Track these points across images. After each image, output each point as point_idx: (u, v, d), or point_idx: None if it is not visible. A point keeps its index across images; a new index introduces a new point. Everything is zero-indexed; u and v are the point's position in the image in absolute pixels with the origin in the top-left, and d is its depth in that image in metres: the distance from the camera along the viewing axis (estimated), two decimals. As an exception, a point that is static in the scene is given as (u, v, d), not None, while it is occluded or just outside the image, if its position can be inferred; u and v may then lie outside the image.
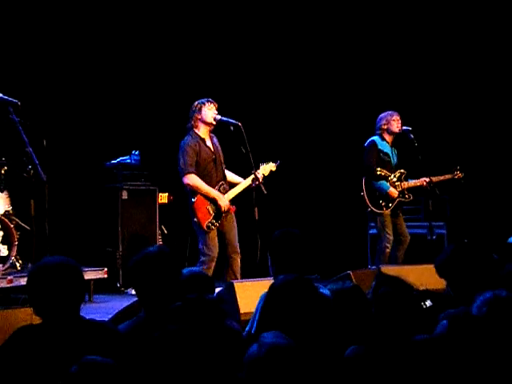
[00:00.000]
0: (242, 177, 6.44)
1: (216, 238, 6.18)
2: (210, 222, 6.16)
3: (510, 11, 8.71)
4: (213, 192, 6.18)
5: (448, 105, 9.00)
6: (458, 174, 7.29)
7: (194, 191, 6.18)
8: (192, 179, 6.15)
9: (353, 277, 5.34)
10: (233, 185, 6.40)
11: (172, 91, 8.64)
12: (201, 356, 2.39)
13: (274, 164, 6.45)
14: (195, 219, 6.16)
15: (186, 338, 2.31)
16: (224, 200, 6.20)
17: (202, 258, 6.10)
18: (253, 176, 6.20)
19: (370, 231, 8.14)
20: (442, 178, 7.24)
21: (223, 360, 2.52)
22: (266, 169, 6.39)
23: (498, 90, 8.87)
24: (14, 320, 3.23)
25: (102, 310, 6.16)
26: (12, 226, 6.85)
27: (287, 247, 3.69)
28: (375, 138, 7.17)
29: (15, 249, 6.83)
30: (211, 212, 6.18)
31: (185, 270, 3.34)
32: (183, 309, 2.64)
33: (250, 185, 6.26)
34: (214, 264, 6.09)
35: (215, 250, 6.14)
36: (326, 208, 9.09)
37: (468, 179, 7.47)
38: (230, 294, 4.87)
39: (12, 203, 7.00)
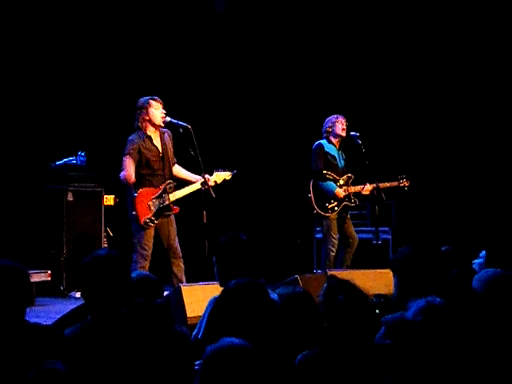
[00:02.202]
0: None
1: (152, 237, 6.09)
2: (148, 219, 6.07)
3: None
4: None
5: (394, 110, 9.12)
6: (404, 182, 7.39)
7: (136, 185, 6.10)
8: (124, 170, 6.05)
9: (300, 281, 5.35)
10: (183, 182, 6.32)
11: (118, 91, 8.55)
12: (148, 359, 2.36)
13: (229, 173, 6.38)
14: (134, 213, 6.07)
15: (132, 341, 2.28)
16: None
17: (135, 257, 6.00)
18: (202, 180, 6.15)
19: (316, 235, 8.19)
20: (388, 184, 7.32)
21: (172, 364, 2.49)
22: (220, 176, 6.30)
23: (443, 95, 9.04)
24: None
25: (45, 313, 6.05)
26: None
27: (233, 252, 3.70)
28: (322, 141, 7.23)
29: (-45, 250, 6.66)
30: (152, 208, 6.11)
31: (133, 274, 3.31)
32: (131, 314, 2.60)
33: (199, 188, 6.20)
34: (147, 263, 6.00)
35: (149, 249, 6.04)
36: (273, 212, 9.12)
37: (414, 185, 7.58)
38: (177, 298, 4.84)
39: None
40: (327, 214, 7.11)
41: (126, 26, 8.79)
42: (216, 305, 2.66)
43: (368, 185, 7.17)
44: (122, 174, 6.07)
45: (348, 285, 3.14)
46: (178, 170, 6.37)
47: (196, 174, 6.26)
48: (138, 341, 2.40)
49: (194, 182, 6.24)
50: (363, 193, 7.20)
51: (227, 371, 2.11)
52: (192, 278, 6.12)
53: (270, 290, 3.24)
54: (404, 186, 7.38)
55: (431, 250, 3.30)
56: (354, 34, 9.11)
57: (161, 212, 6.14)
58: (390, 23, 9.07)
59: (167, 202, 6.16)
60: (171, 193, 6.21)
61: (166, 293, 4.81)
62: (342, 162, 7.30)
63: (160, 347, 2.47)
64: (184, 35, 8.95)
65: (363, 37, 9.10)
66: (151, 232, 6.09)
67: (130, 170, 6.04)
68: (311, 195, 7.14)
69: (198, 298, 4.71)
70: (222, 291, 2.70)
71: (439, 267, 3.24)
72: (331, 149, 7.22)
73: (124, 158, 6.08)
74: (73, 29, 8.49)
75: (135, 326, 2.49)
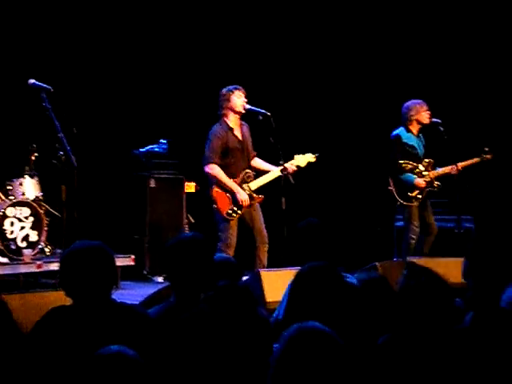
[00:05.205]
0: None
1: (236, 227, 6.18)
2: (230, 210, 6.17)
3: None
4: (232, 185, 6.18)
5: (475, 95, 8.90)
6: (487, 156, 7.19)
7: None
8: (213, 169, 6.16)
9: (379, 268, 5.33)
10: (261, 172, 6.40)
11: (200, 80, 8.66)
12: (229, 340, 2.41)
13: (313, 155, 6.41)
14: (215, 206, 6.18)
15: (215, 320, 2.33)
16: (243, 194, 6.18)
17: (220, 246, 6.11)
18: (281, 167, 6.20)
19: (397, 223, 8.10)
20: (469, 162, 7.16)
21: (252, 346, 2.53)
22: (303, 160, 6.35)
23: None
24: (47, 302, 3.29)
25: (128, 296, 6.21)
26: (42, 211, 6.94)
27: (308, 237, 3.73)
28: (400, 130, 7.08)
29: (45, 234, 6.92)
30: (232, 200, 6.20)
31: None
32: (216, 297, 2.65)
33: (279, 176, 6.25)
34: (231, 252, 6.08)
35: (233, 239, 6.14)
36: (352, 200, 9.07)
37: (498, 170, 7.36)
38: (257, 283, 4.90)
39: (42, 189, 7.09)
40: (411, 204, 7.02)
41: (205, 16, 8.89)
42: (292, 287, 2.70)
43: (453, 166, 7.04)
44: (207, 166, 6.17)
45: (428, 271, 3.12)
46: (259, 163, 6.43)
47: (276, 160, 6.30)
48: (219, 322, 2.45)
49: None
50: (453, 173, 7.07)
51: (307, 353, 2.13)
52: (271, 264, 6.18)
53: (349, 275, 3.26)
54: (487, 159, 7.18)
55: (505, 236, 3.25)
56: (427, 15, 8.94)
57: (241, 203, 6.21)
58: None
59: (247, 192, 6.23)
60: (250, 182, 6.28)
61: (244, 278, 4.90)
62: (422, 149, 7.17)
63: (242, 329, 2.52)
64: (262, 24, 8.98)
65: (434, 18, 8.91)
66: (235, 222, 6.18)
67: (215, 161, 6.14)
68: (392, 187, 7.06)
69: (277, 283, 4.75)
70: (295, 275, 2.73)
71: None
72: (410, 138, 7.09)
73: (208, 149, 6.19)
74: (156, 20, 8.65)
75: (220, 308, 2.54)
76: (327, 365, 2.07)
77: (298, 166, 6.29)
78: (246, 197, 6.19)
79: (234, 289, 2.61)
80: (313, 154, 6.41)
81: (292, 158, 6.36)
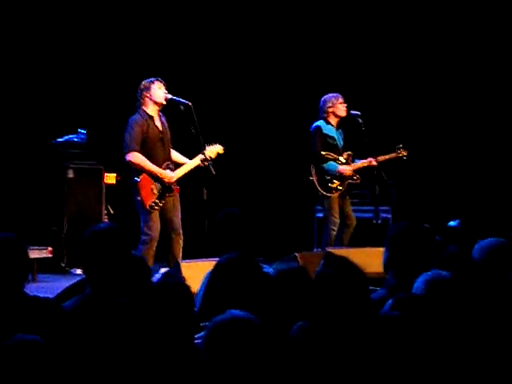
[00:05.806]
0: (190, 157, 6.40)
1: (158, 219, 6.13)
2: (153, 202, 6.10)
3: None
4: (156, 169, 6.12)
5: (392, 87, 9.08)
6: (402, 152, 7.37)
7: (138, 170, 6.13)
8: (135, 157, 6.07)
9: (299, 259, 5.38)
10: (178, 165, 6.35)
11: (120, 70, 8.55)
12: (147, 332, 2.38)
13: (221, 147, 6.40)
14: (138, 198, 6.10)
15: (133, 311, 2.30)
16: (168, 174, 6.13)
17: (143, 238, 6.04)
18: (202, 156, 6.17)
19: (317, 214, 8.21)
20: (387, 157, 7.32)
21: (174, 339, 2.51)
22: (213, 151, 6.33)
23: (443, 68, 8.99)
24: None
25: (45, 289, 6.09)
26: (-46, 202, 6.72)
27: (228, 227, 3.74)
28: (320, 122, 7.18)
29: (-44, 226, 6.70)
30: (155, 192, 6.12)
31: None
32: (153, 297, 2.61)
33: (198, 165, 6.23)
34: (155, 244, 6.04)
35: (156, 231, 6.08)
36: (274, 191, 9.14)
37: (413, 164, 7.55)
38: (177, 274, 4.86)
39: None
40: (332, 195, 7.12)
41: (127, 6, 8.77)
42: (209, 279, 2.69)
43: (372, 159, 7.18)
44: (128, 154, 6.08)
45: (345, 261, 3.16)
46: (175, 155, 6.38)
47: (197, 151, 6.27)
48: (137, 308, 2.42)
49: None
50: (372, 164, 7.19)
51: (232, 342, 2.14)
52: (192, 255, 6.16)
53: (265, 266, 3.28)
54: (402, 155, 7.37)
55: (424, 226, 3.33)
56: (347, 9, 9.07)
57: (163, 193, 6.16)
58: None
59: (168, 183, 6.18)
60: None
61: (163, 270, 4.87)
62: (342, 142, 7.29)
63: (162, 322, 2.49)
64: (182, 15, 8.93)
65: (356, 12, 9.05)
66: (157, 214, 6.12)
67: (135, 150, 6.06)
68: (313, 178, 7.14)
69: (197, 275, 4.72)
70: (214, 266, 2.73)
71: (430, 244, 3.27)
72: (330, 130, 7.19)
73: (128, 137, 6.08)
74: (75, 8, 8.47)
75: (157, 306, 2.50)
76: (255, 350, 2.10)
77: (209, 157, 6.24)
78: (172, 175, 6.14)
79: (170, 286, 2.57)
80: (221, 144, 6.39)
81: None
